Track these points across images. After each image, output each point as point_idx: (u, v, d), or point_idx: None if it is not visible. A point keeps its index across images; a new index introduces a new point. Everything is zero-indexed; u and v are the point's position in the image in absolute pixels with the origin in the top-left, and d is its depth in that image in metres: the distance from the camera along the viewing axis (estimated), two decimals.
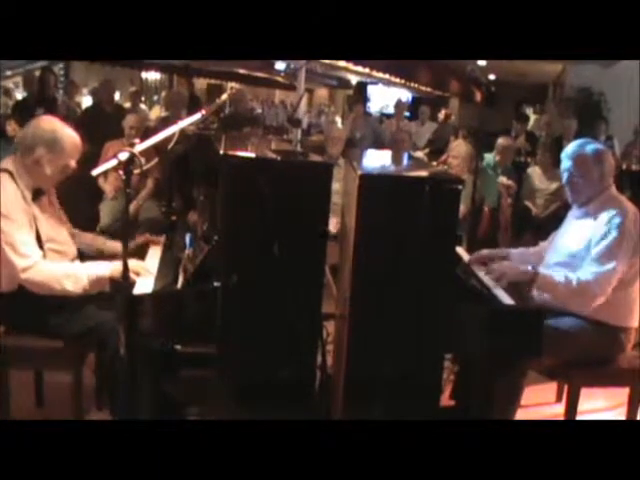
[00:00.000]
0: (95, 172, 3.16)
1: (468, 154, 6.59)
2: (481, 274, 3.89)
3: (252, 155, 3.40)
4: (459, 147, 6.87)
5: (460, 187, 3.22)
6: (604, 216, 3.81)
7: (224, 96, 3.88)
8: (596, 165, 3.93)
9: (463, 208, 5.91)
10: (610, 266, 3.70)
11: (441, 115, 14.36)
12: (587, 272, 3.72)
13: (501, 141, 8.68)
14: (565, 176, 4.01)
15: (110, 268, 3.66)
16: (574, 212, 4.13)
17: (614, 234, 3.74)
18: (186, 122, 3.51)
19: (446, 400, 4.26)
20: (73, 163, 3.76)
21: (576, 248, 3.87)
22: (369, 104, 22.93)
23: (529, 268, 3.79)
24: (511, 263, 4.04)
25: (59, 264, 3.68)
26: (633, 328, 3.96)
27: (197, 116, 3.60)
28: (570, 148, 4.03)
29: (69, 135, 3.73)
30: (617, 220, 3.77)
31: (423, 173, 3.68)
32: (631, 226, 3.79)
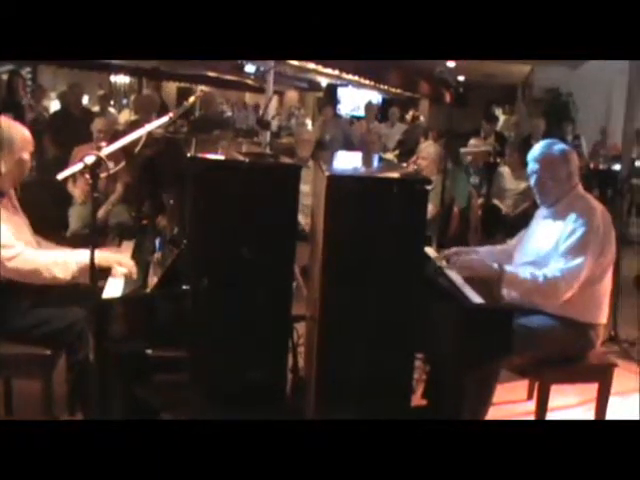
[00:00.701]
0: (61, 176, 3.13)
1: (437, 155, 6.61)
2: (451, 273, 3.90)
3: (219, 157, 3.39)
4: (428, 148, 6.89)
5: (428, 187, 3.23)
6: (572, 215, 3.84)
7: (192, 99, 3.87)
8: (563, 165, 3.96)
9: (432, 208, 5.93)
10: (577, 262, 3.72)
11: (408, 116, 14.42)
12: (554, 269, 3.73)
13: (473, 142, 8.76)
14: (533, 178, 4.03)
15: (97, 257, 3.60)
16: (542, 212, 4.15)
17: (581, 231, 3.76)
18: (153, 125, 3.49)
19: (418, 400, 4.26)
20: (26, 156, 3.69)
21: (544, 248, 3.89)
22: (339, 106, 22.96)
23: (495, 265, 3.80)
24: (480, 257, 4.02)
25: (46, 252, 3.64)
26: (602, 324, 3.99)
27: (165, 119, 3.59)
28: (536, 150, 4.05)
29: (16, 129, 3.68)
30: (584, 218, 3.79)
31: (391, 174, 3.69)
32: (599, 224, 3.81)
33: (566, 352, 3.88)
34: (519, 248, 4.20)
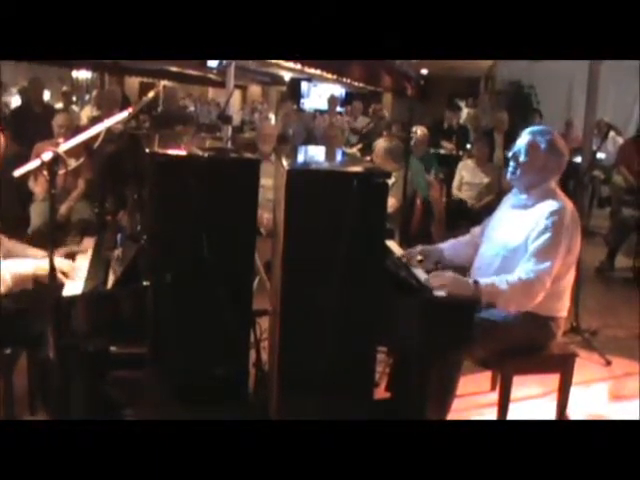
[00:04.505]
0: (17, 173, 3.10)
1: (386, 151, 6.57)
2: (416, 270, 3.89)
3: (177, 152, 3.38)
4: (378, 145, 6.85)
5: (388, 181, 3.24)
6: (544, 209, 3.82)
7: (151, 93, 3.84)
8: (558, 155, 3.94)
9: (395, 202, 5.94)
10: (548, 264, 3.70)
11: (370, 110, 14.43)
12: (526, 270, 3.70)
13: (419, 132, 8.84)
14: (523, 152, 3.96)
15: (34, 266, 3.58)
16: (511, 199, 4.12)
17: (553, 231, 3.74)
18: (112, 121, 3.47)
19: (382, 393, 4.27)
20: None
21: (513, 240, 3.87)
22: (303, 100, 22.96)
23: (470, 282, 3.71)
24: (453, 274, 3.81)
25: None
26: (562, 318, 4.01)
27: (124, 114, 3.56)
28: (540, 128, 4.07)
29: None
30: (556, 216, 3.76)
31: (351, 168, 3.69)
32: (568, 222, 3.80)
33: (527, 344, 3.89)
34: (485, 237, 4.17)
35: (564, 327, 4.14)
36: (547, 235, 3.75)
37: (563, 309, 3.99)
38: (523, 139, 3.99)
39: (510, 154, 4.06)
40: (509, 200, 4.17)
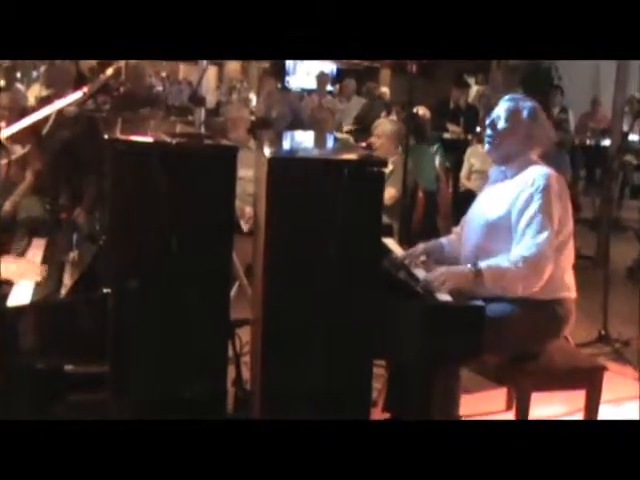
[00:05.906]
0: None
1: (393, 133, 6.60)
2: (417, 271, 3.90)
3: (142, 139, 3.38)
4: (382, 125, 6.87)
5: (384, 170, 3.25)
6: (526, 177, 3.89)
7: (110, 70, 3.84)
8: (540, 125, 4.03)
9: (395, 193, 5.95)
10: (546, 233, 3.74)
11: (364, 89, 14.43)
12: (526, 246, 3.75)
13: (421, 112, 8.86)
14: (503, 118, 4.03)
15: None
16: (490, 177, 4.23)
17: (541, 198, 3.80)
18: (64, 102, 3.47)
19: (380, 413, 4.27)
20: None
21: (495, 212, 3.92)
22: (289, 78, 22.93)
23: (468, 267, 3.77)
24: (449, 268, 3.86)
25: None
26: (570, 299, 3.98)
27: (77, 95, 3.57)
28: (521, 95, 4.19)
29: None
30: (542, 181, 3.83)
31: (342, 155, 3.70)
32: (556, 188, 3.85)
33: (539, 335, 3.91)
34: (467, 223, 4.23)
35: (574, 312, 4.10)
36: (536, 203, 3.80)
37: (567, 289, 3.98)
38: (502, 105, 4.07)
39: (487, 122, 4.11)
40: (488, 180, 4.27)
